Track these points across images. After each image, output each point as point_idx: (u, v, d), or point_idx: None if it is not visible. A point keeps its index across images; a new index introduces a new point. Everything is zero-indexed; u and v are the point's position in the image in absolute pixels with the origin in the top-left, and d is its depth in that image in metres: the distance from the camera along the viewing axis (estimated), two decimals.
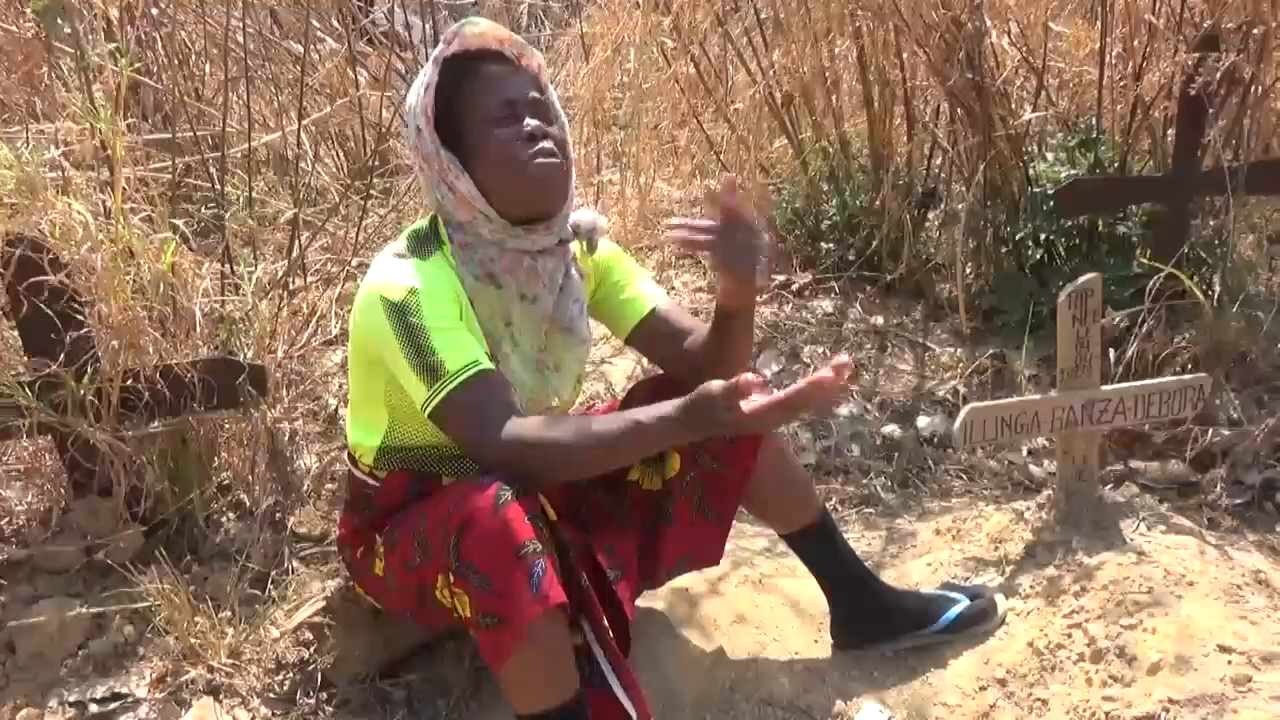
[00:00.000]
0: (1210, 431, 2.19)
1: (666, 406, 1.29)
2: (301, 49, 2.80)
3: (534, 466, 1.32)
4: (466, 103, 1.42)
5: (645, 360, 2.38)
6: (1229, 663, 1.54)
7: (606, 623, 1.38)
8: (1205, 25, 2.24)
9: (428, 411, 1.34)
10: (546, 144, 1.42)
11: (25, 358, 1.78)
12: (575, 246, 1.56)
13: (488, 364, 1.35)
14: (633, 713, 1.36)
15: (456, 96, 1.43)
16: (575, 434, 1.33)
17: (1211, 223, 2.53)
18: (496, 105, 1.42)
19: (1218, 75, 2.16)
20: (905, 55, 2.68)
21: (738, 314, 1.48)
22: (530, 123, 1.42)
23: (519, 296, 1.47)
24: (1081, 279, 1.77)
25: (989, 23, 2.46)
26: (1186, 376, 1.90)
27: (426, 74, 1.43)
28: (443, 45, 1.44)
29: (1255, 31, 2.27)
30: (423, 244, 1.45)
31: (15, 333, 1.79)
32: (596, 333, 1.73)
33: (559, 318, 1.52)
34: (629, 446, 1.34)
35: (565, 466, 1.35)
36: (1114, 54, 2.51)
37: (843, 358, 1.23)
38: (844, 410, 2.40)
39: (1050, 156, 2.66)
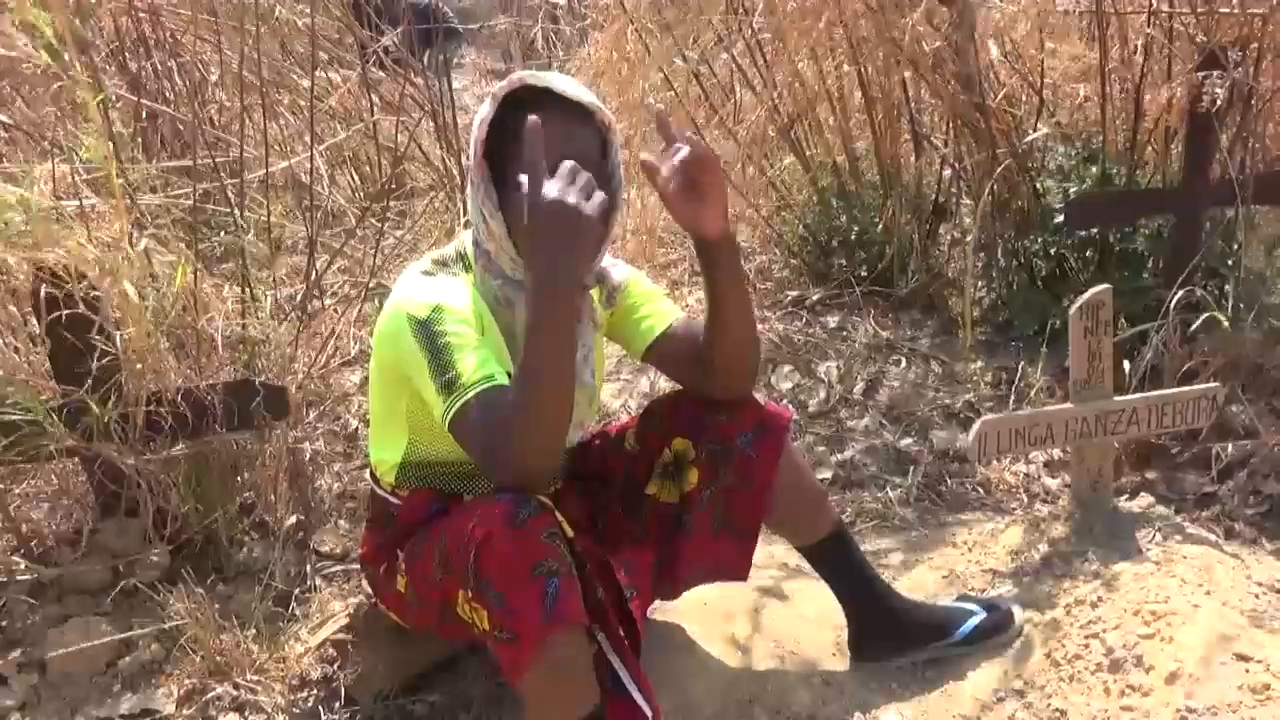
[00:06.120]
0: (1227, 442, 2.19)
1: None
2: (315, 76, 2.85)
3: (518, 444, 1.29)
4: (516, 147, 1.38)
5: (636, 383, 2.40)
6: (1247, 671, 1.54)
7: (622, 633, 1.40)
8: (1202, 40, 2.27)
9: (445, 424, 1.35)
10: None
11: (53, 383, 1.81)
12: (594, 294, 1.55)
13: (503, 379, 1.36)
14: (648, 712, 1.39)
15: (510, 137, 1.39)
16: (516, 387, 1.31)
17: (1221, 238, 2.54)
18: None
19: (1220, 90, 2.18)
20: (907, 76, 2.70)
21: (714, 247, 1.44)
22: None
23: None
24: (1092, 291, 1.78)
25: (984, 41, 2.47)
26: (1199, 386, 1.91)
27: (485, 108, 1.41)
28: (505, 84, 1.41)
29: (1251, 47, 2.29)
30: (448, 265, 1.48)
31: (41, 358, 1.83)
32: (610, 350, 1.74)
33: None
34: (542, 335, 1.29)
35: (537, 417, 1.29)
36: (1113, 69, 2.53)
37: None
38: (859, 424, 2.42)
39: (1055, 169, 2.67)
